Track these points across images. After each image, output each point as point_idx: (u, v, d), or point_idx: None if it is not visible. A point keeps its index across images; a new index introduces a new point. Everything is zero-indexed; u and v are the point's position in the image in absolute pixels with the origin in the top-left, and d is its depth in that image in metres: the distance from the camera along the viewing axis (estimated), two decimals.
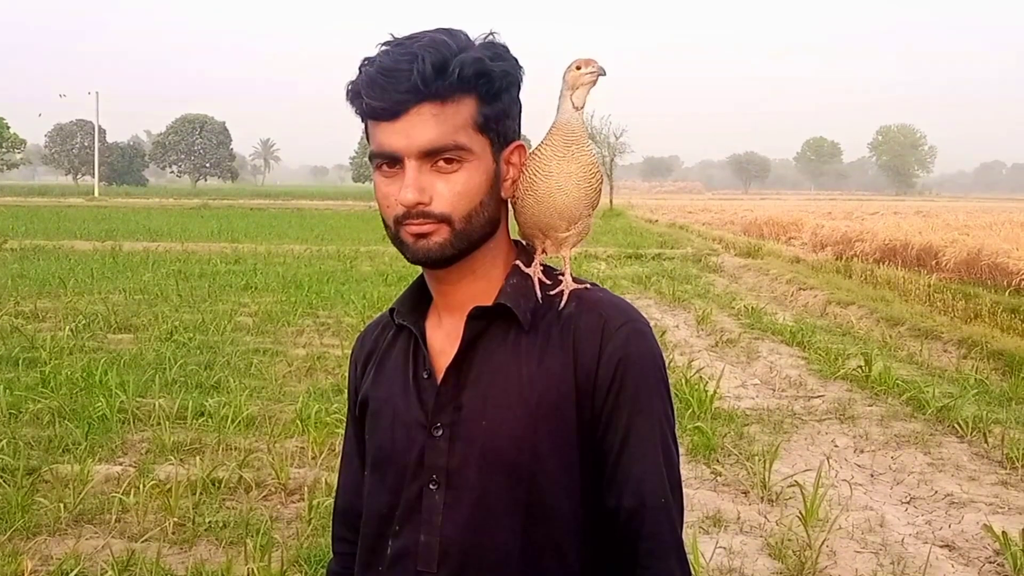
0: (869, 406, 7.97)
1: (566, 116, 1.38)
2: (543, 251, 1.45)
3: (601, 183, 1.41)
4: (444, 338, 1.41)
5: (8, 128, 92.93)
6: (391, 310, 1.49)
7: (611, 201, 53.19)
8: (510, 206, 1.43)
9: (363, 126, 1.37)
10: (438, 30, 1.31)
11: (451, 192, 1.30)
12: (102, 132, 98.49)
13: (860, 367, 9.02)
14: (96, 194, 72.96)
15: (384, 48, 1.31)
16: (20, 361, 8.68)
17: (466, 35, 1.32)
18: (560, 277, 1.42)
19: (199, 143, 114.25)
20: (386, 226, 1.37)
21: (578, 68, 1.39)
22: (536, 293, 1.39)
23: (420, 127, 1.27)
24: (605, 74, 1.39)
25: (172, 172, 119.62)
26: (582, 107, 1.38)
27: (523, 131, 1.42)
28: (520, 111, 1.40)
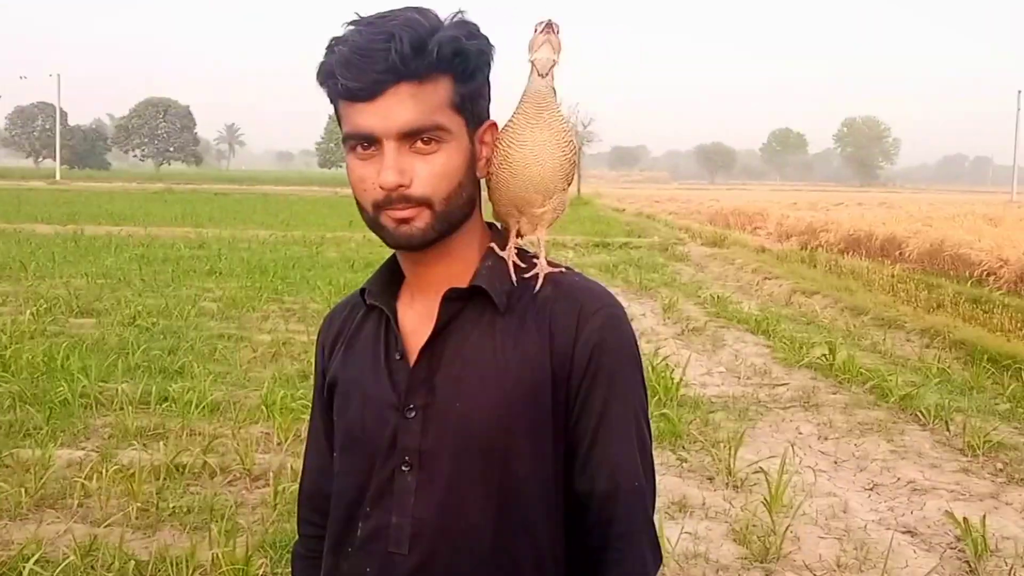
0: (833, 394, 8.04)
1: (534, 84, 1.35)
2: (518, 232, 1.43)
3: (576, 153, 1.39)
4: (416, 319, 1.40)
5: None
6: (362, 290, 1.47)
7: (579, 190, 53.28)
8: (484, 187, 1.41)
9: (333, 108, 1.34)
10: (407, 9, 1.28)
11: (431, 173, 1.28)
12: (64, 115, 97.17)
13: (824, 356, 9.09)
14: (58, 177, 72.10)
15: (354, 27, 1.28)
16: None
17: (436, 14, 1.29)
18: (535, 260, 1.41)
19: (163, 127, 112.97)
20: (362, 210, 1.34)
21: (535, 31, 1.37)
22: (511, 276, 1.38)
23: (398, 107, 1.25)
24: (548, 21, 1.35)
25: (135, 156, 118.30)
26: (547, 73, 1.35)
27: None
28: (490, 91, 1.38)
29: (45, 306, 10.74)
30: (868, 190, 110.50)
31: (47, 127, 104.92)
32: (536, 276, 1.38)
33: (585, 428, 1.33)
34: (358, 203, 1.34)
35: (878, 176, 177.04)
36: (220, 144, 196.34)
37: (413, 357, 1.36)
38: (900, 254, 18.81)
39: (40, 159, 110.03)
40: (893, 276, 15.54)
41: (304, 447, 1.63)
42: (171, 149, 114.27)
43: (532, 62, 1.36)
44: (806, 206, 35.56)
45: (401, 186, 1.27)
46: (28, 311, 10.26)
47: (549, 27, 1.35)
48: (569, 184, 1.41)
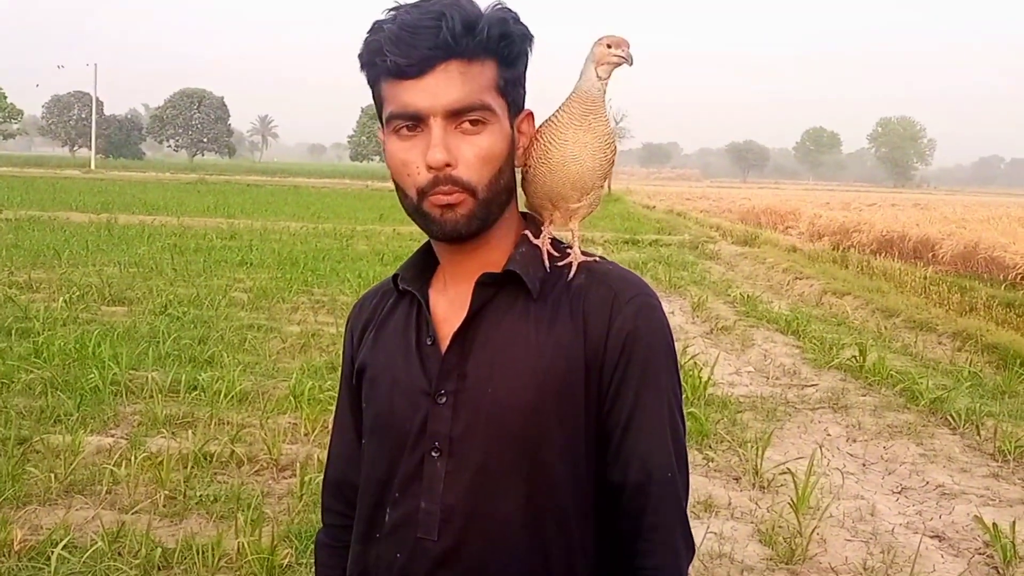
0: (862, 396, 7.98)
1: (588, 84, 1.35)
2: (551, 222, 1.43)
3: (615, 154, 1.38)
4: (448, 305, 1.39)
5: (5, 98, 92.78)
6: (395, 276, 1.47)
7: (609, 187, 53.15)
8: (519, 176, 1.41)
9: (372, 92, 1.33)
10: None
11: (476, 156, 1.27)
12: (100, 104, 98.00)
13: (854, 357, 9.03)
14: (92, 166, 72.79)
15: (397, 11, 1.27)
16: (13, 331, 8.65)
17: (478, 3, 1.30)
18: (568, 250, 1.40)
19: (197, 118, 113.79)
20: (404, 197, 1.33)
21: (608, 46, 1.36)
22: (545, 263, 1.37)
23: (447, 85, 1.25)
24: (632, 64, 1.36)
25: (169, 146, 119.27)
26: (606, 79, 1.35)
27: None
28: (526, 82, 1.37)
29: (78, 294, 10.85)
30: (902, 191, 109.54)
31: (83, 116, 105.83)
32: (569, 264, 1.37)
33: (617, 417, 1.32)
34: (400, 189, 1.33)
35: (912, 177, 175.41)
36: (253, 136, 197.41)
37: (445, 343, 1.35)
38: (933, 256, 18.62)
39: (76, 148, 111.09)
40: (926, 278, 15.38)
41: (330, 436, 1.62)
42: (205, 140, 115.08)
43: (595, 70, 1.35)
44: (839, 206, 35.23)
45: (448, 166, 1.26)
46: (61, 298, 10.35)
47: (627, 55, 1.36)
48: (606, 180, 1.40)
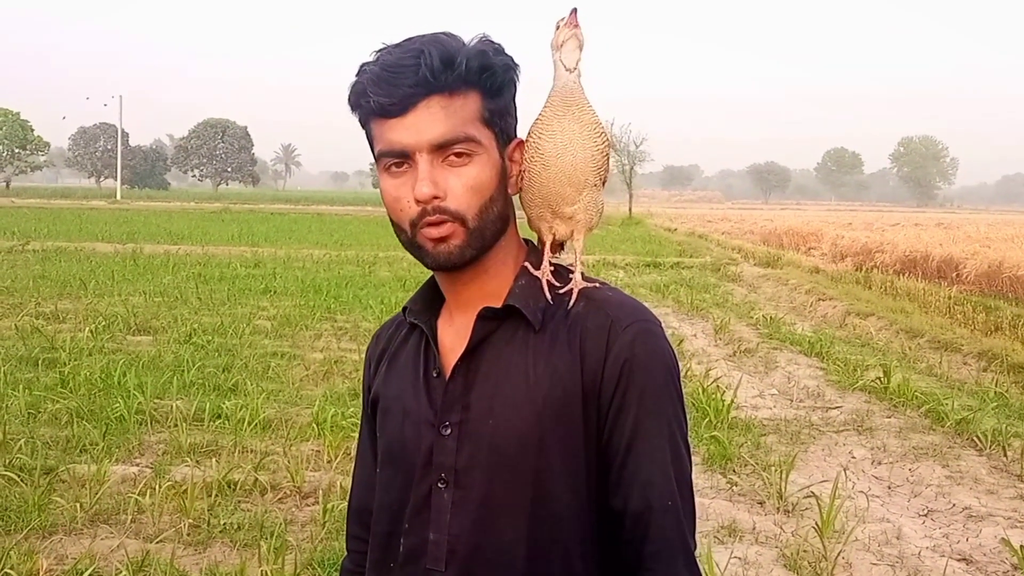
0: (887, 418, 7.92)
1: (561, 80, 1.36)
2: (553, 238, 1.43)
3: (608, 147, 1.38)
4: (455, 336, 1.41)
5: (32, 131, 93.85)
6: (404, 308, 1.50)
7: (630, 209, 53.17)
8: (517, 201, 1.42)
9: (365, 133, 1.37)
10: (434, 33, 1.32)
11: (464, 186, 1.29)
12: (125, 135, 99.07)
13: (879, 379, 8.97)
14: (118, 197, 73.57)
15: (381, 53, 1.31)
16: (40, 361, 8.74)
17: (460, 37, 1.32)
18: (570, 275, 1.41)
19: (221, 147, 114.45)
20: (399, 230, 1.35)
21: (557, 28, 1.37)
22: (546, 293, 1.38)
23: (430, 120, 1.27)
24: (573, 11, 1.36)
25: (194, 176, 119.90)
26: (574, 68, 1.36)
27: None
28: (516, 111, 1.39)
29: (104, 323, 10.95)
30: (925, 210, 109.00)
31: (109, 147, 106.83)
32: (571, 292, 1.38)
33: (617, 445, 1.32)
34: (394, 224, 1.36)
35: (935, 196, 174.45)
36: (277, 164, 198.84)
37: (449, 374, 1.37)
38: (957, 276, 18.48)
39: (102, 179, 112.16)
40: (950, 298, 15.28)
41: (353, 463, 1.65)
42: (229, 169, 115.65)
43: (559, 59, 1.37)
44: (861, 226, 35.02)
45: (436, 198, 1.28)
46: (87, 328, 10.45)
47: (574, 21, 1.36)
48: (603, 181, 1.40)
